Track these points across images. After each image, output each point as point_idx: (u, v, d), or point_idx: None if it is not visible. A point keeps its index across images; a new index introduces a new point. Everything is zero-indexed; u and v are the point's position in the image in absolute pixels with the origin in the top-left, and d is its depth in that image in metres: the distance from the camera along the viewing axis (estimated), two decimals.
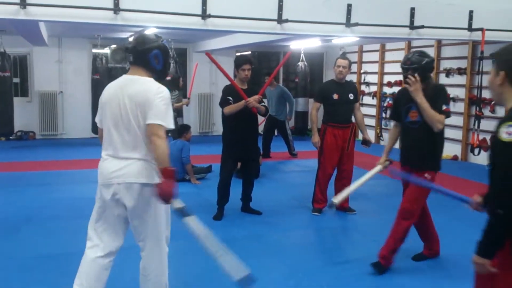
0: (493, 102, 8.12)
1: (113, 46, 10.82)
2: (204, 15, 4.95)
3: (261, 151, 8.78)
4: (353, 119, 5.36)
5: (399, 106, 3.80)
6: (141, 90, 2.64)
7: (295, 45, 10.55)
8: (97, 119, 2.84)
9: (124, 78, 2.78)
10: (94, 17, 4.77)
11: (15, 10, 4.40)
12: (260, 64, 12.36)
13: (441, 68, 9.18)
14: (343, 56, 5.41)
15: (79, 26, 7.20)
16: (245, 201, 5.25)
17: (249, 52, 11.21)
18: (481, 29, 6.10)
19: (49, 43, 9.36)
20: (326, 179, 5.26)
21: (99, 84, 9.69)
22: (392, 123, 4.00)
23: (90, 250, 2.83)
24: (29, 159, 8.27)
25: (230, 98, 4.91)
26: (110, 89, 2.77)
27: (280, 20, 5.24)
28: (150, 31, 7.59)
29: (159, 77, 2.80)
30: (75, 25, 7.00)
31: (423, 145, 3.66)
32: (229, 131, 4.96)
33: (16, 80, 10.45)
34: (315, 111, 5.31)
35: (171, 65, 9.83)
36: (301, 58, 10.81)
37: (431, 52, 9.31)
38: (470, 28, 6.15)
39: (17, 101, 9.95)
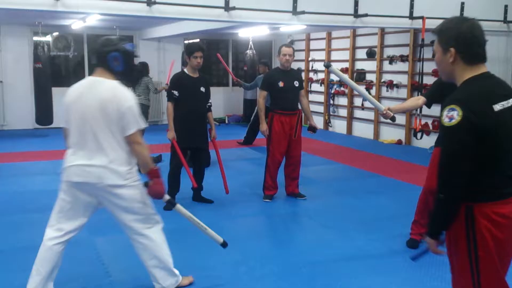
0: None
1: (55, 33, 10.42)
2: (150, 2, 4.86)
3: (244, 137, 8.81)
4: (299, 106, 5.44)
5: (447, 92, 3.83)
6: (109, 96, 2.76)
7: (243, 33, 10.54)
8: (63, 123, 2.94)
9: (89, 80, 2.90)
10: (34, 3, 4.59)
11: None
12: (209, 51, 12.26)
13: (385, 56, 9.44)
14: (287, 44, 5.46)
15: (18, 13, 6.89)
16: (197, 190, 5.24)
17: (198, 40, 11.10)
18: (422, 17, 6.31)
19: None
20: (276, 166, 5.33)
21: (41, 73, 9.32)
22: (420, 98, 3.96)
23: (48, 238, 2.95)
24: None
25: (175, 92, 4.87)
26: (76, 91, 2.87)
27: (227, 7, 5.23)
28: (93, 18, 7.38)
29: (123, 79, 2.94)
30: (14, 12, 6.69)
31: None
32: (177, 120, 4.92)
33: None
34: (262, 99, 5.35)
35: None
36: (249, 46, 10.83)
37: (375, 40, 9.56)
38: (411, 16, 6.36)
39: None
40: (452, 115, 1.87)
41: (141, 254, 3.05)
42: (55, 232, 2.92)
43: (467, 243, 1.97)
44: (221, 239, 3.20)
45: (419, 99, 4.00)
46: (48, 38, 10.24)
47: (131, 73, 2.99)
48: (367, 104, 9.91)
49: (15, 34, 10.17)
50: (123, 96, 2.79)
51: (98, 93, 2.78)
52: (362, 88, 3.93)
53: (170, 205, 3.09)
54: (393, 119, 3.82)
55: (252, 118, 8.87)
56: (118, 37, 2.96)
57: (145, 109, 7.94)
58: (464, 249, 1.99)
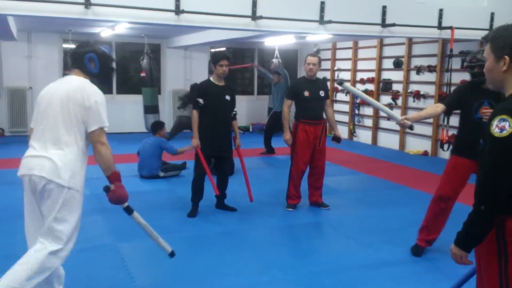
0: None
1: None
2: (178, 11, 4.92)
3: (264, 147, 8.86)
4: (324, 115, 5.41)
5: (466, 101, 3.85)
6: (75, 89, 2.69)
7: (269, 42, 10.57)
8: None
9: (61, 78, 2.85)
10: (65, 11, 4.69)
11: None
12: (235, 60, 12.34)
13: (412, 66, 9.34)
14: (313, 53, 5.45)
15: (49, 20, 7.07)
16: (220, 197, 5.25)
17: (224, 49, 11.19)
18: (451, 28, 6.23)
19: (18, 37, 9.15)
20: (299, 175, 5.30)
21: None
22: (439, 105, 4.01)
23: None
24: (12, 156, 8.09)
25: (200, 100, 4.91)
26: (46, 89, 2.81)
27: (254, 16, 5.26)
28: (122, 26, 7.52)
29: (100, 81, 2.87)
30: (45, 20, 6.87)
31: None
32: (202, 128, 4.95)
33: None
34: (287, 108, 5.34)
35: (147, 62, 9.73)
36: (275, 54, 10.85)
37: (402, 49, 9.47)
38: (440, 27, 6.28)
39: None
40: (504, 126, 1.83)
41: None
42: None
43: (498, 256, 1.93)
44: (169, 249, 3.15)
45: (438, 107, 4.01)
46: None
47: (107, 76, 2.93)
48: None
49: (45, 41, 10.42)
50: (90, 90, 2.71)
51: (65, 86, 2.73)
52: (376, 102, 4.10)
53: (128, 211, 2.87)
54: (411, 128, 3.89)
55: (265, 127, 8.98)
56: (95, 40, 2.93)
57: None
58: (494, 262, 1.94)
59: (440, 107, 3.96)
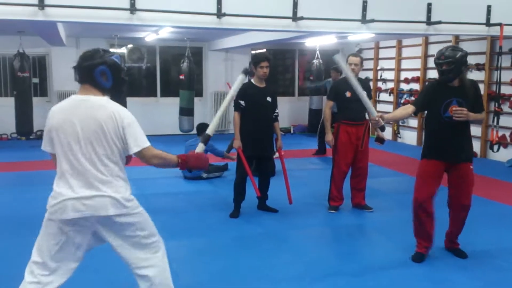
0: None
1: (130, 45, 10.93)
2: (219, 14, 4.97)
3: (317, 147, 8.74)
4: (367, 116, 5.33)
5: (434, 100, 3.79)
6: (105, 116, 2.44)
7: (310, 42, 10.52)
8: (45, 147, 2.61)
9: (74, 99, 2.52)
10: (111, 17, 4.84)
11: (34, 11, 4.48)
12: (276, 61, 12.35)
13: None
14: (355, 53, 5.37)
15: (96, 26, 7.30)
16: (261, 199, 5.26)
17: (265, 50, 11.23)
18: (499, 24, 6.01)
19: (67, 43, 9.49)
20: (341, 177, 5.24)
21: None
22: (409, 107, 3.92)
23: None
24: (48, 158, 8.39)
25: (242, 102, 4.93)
26: (61, 112, 2.50)
27: (295, 17, 5.24)
28: (165, 30, 7.67)
29: (113, 95, 2.60)
30: (92, 26, 7.09)
31: (465, 139, 3.86)
32: (243, 130, 4.97)
33: (35, 80, 10.61)
34: (329, 109, 5.30)
35: (186, 65, 9.87)
36: (316, 55, 10.77)
37: None
38: (488, 23, 6.06)
39: (36, 101, 10.11)
40: None
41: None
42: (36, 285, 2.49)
43: None
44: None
45: (408, 108, 3.94)
46: (123, 50, 10.75)
47: (120, 88, 2.62)
48: None
49: (93, 46, 10.46)
50: (121, 113, 2.47)
51: (90, 113, 2.44)
52: (362, 92, 4.16)
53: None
54: (382, 128, 3.92)
55: (319, 127, 8.80)
56: (103, 49, 2.60)
57: None
58: None
59: (411, 108, 3.89)
